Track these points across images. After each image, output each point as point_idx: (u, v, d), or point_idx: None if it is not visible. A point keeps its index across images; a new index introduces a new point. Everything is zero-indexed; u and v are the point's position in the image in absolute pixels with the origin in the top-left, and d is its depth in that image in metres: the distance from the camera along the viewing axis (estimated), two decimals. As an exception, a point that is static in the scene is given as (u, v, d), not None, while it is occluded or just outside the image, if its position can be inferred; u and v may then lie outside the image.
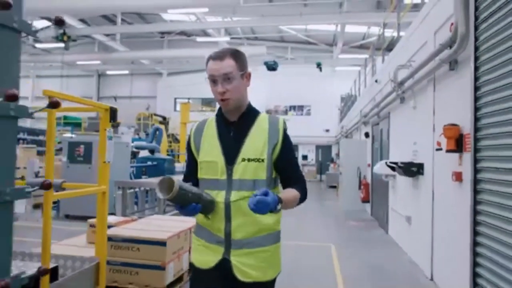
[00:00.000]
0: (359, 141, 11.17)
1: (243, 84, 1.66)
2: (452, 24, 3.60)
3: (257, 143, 1.64)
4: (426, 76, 4.67)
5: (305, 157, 24.26)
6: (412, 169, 5.12)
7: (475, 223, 3.13)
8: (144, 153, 11.39)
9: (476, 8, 3.14)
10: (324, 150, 24.09)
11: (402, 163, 5.37)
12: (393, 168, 5.82)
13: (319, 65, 21.15)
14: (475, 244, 3.12)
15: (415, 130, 5.34)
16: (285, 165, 1.69)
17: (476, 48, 3.17)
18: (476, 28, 3.17)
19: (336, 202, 12.17)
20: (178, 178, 1.42)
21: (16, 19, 1.20)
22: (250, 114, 1.70)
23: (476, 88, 3.16)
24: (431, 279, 4.51)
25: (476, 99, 3.16)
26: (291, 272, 4.72)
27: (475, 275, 3.10)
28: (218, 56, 1.62)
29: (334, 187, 16.04)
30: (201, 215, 1.66)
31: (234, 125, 1.68)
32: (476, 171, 3.15)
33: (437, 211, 4.40)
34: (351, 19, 15.27)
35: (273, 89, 23.81)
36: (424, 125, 4.84)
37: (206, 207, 1.57)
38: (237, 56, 1.65)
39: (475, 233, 3.12)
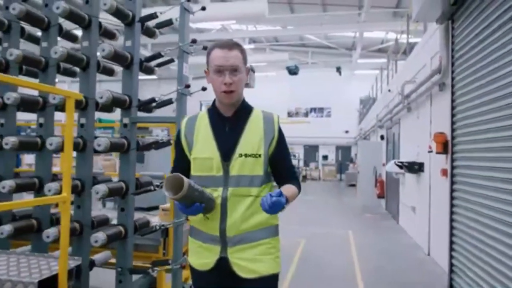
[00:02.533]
0: (375, 142, 12.27)
1: (245, 78, 1.64)
2: (440, 56, 4.76)
3: (253, 138, 1.61)
4: (425, 93, 5.81)
5: (325, 157, 25.29)
6: (415, 167, 6.27)
7: (452, 205, 4.29)
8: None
9: (452, 50, 4.31)
10: (344, 151, 25.02)
11: (407, 162, 6.53)
12: (400, 167, 6.96)
13: (338, 69, 22.18)
14: (452, 220, 4.28)
15: (418, 135, 6.47)
16: (281, 161, 1.69)
17: (453, 78, 4.33)
18: (452, 64, 4.33)
19: (354, 198, 13.27)
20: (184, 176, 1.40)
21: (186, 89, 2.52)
22: (245, 109, 1.68)
23: (453, 107, 4.33)
24: (428, 254, 5.65)
25: (453, 115, 4.32)
26: (316, 249, 5.95)
27: (451, 243, 4.27)
28: (227, 46, 1.59)
29: (353, 185, 17.05)
30: (195, 216, 1.62)
31: (230, 120, 1.64)
32: (453, 167, 4.31)
33: (432, 200, 5.54)
34: (368, 28, 16.30)
35: (294, 92, 24.79)
36: (424, 132, 5.97)
37: (208, 206, 1.54)
38: (242, 50, 1.64)
39: (452, 213, 4.29)
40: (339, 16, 17.03)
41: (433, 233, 5.47)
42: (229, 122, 1.64)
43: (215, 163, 1.59)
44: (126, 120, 2.63)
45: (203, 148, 1.62)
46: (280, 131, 1.67)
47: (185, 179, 1.33)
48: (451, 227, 4.29)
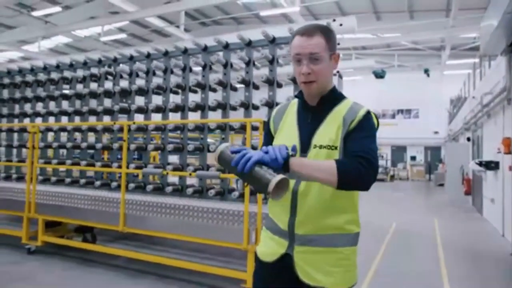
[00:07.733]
0: (462, 144, 13.20)
1: (330, 66, 1.48)
2: (505, 78, 6.17)
3: (331, 129, 1.46)
4: (499, 104, 7.14)
5: (413, 158, 25.67)
6: (492, 165, 7.57)
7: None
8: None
9: (513, 76, 5.75)
10: (433, 151, 25.12)
11: (485, 161, 7.84)
12: (480, 165, 8.24)
13: (426, 71, 22.33)
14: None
15: (495, 138, 7.74)
16: (349, 143, 1.42)
17: (513, 97, 5.77)
18: (513, 86, 5.77)
19: (442, 196, 14.23)
20: (228, 144, 1.39)
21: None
22: (331, 99, 1.52)
23: (514, 119, 5.76)
24: (503, 235, 6.97)
25: (514, 125, 5.77)
26: (405, 228, 7.61)
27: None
28: (307, 32, 1.44)
29: (442, 185, 17.58)
30: (272, 206, 1.59)
31: (313, 109, 1.52)
32: (514, 164, 5.75)
33: (505, 191, 6.86)
34: (457, 33, 16.72)
35: (381, 95, 25.13)
36: (499, 136, 7.26)
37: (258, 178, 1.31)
38: (328, 34, 1.45)
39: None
40: (426, 24, 17.52)
41: (506, 217, 6.79)
42: (312, 112, 1.53)
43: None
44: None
45: (286, 136, 1.54)
46: (361, 123, 1.44)
47: (224, 144, 1.35)
48: (514, 208, 5.73)
